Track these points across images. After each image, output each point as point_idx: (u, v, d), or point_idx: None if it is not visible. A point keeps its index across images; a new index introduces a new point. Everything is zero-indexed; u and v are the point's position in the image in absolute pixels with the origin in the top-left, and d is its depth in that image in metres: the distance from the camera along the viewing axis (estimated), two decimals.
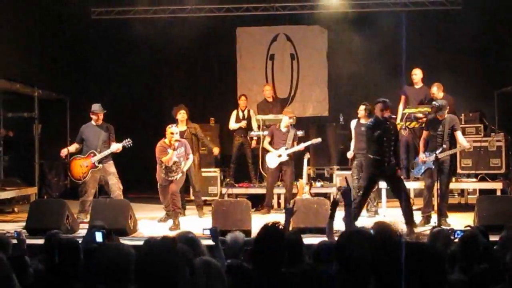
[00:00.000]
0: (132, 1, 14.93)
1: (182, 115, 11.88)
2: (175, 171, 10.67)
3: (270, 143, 12.18)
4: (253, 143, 13.45)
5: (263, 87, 14.36)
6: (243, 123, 13.64)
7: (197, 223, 10.69)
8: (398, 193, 9.67)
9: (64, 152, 11.27)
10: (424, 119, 11.39)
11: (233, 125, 13.73)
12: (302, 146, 12.04)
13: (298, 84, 16.06)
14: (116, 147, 11.10)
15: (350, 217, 5.78)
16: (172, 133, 10.59)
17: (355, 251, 3.70)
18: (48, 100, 15.30)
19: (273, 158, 12.03)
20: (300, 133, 12.68)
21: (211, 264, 3.75)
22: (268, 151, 12.19)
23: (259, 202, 12.28)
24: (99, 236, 6.06)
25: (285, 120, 12.16)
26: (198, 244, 4.86)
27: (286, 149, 11.95)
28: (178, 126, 11.56)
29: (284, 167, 12.09)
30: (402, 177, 10.91)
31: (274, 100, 14.05)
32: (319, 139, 12.38)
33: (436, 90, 11.87)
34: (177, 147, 10.62)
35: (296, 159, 12.26)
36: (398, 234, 4.42)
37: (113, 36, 15.48)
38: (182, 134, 11.61)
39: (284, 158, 11.95)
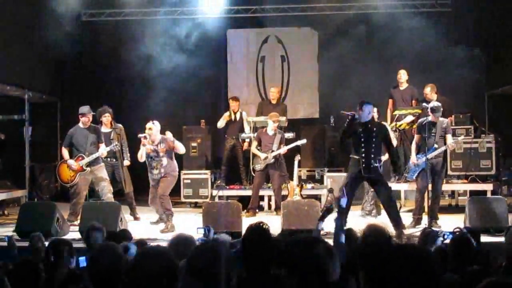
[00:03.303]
0: (122, 3, 14.89)
1: (107, 118, 12.08)
2: (155, 168, 10.59)
3: (258, 147, 12.19)
4: (245, 145, 13.46)
5: (271, 88, 14.37)
6: (226, 115, 13.77)
7: (188, 224, 10.65)
8: (381, 197, 9.74)
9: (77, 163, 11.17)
10: (415, 126, 11.41)
11: (219, 123, 13.79)
12: (285, 148, 12.05)
13: (288, 86, 16.05)
14: (102, 150, 11.12)
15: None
16: (145, 128, 10.57)
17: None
18: (38, 102, 15.27)
19: (260, 161, 12.05)
20: (290, 135, 12.69)
21: None
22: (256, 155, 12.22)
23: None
24: (82, 262, 5.96)
25: (270, 124, 12.16)
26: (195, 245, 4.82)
27: (272, 151, 11.96)
28: (103, 128, 11.82)
29: (271, 171, 12.09)
30: (391, 179, 10.99)
31: (278, 103, 14.01)
32: (304, 140, 12.41)
33: (430, 91, 11.95)
34: (157, 143, 10.55)
35: (286, 161, 12.27)
36: (389, 237, 4.44)
37: (104, 38, 15.45)
38: (108, 135, 11.77)
39: (270, 160, 11.95)
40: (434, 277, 2.74)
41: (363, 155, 9.45)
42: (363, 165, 9.43)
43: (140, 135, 10.55)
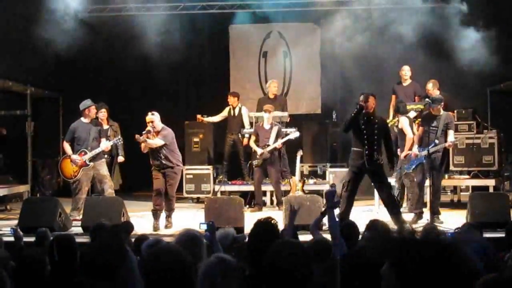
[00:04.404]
0: None
1: (103, 113, 12.17)
2: (156, 159, 10.37)
3: (256, 141, 12.19)
4: (245, 141, 13.42)
5: (270, 82, 14.19)
6: (210, 119, 13.96)
7: (190, 219, 10.65)
8: (381, 194, 9.71)
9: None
10: (417, 122, 11.38)
11: (210, 118, 13.95)
12: (279, 142, 12.01)
13: (291, 82, 16.03)
14: (105, 145, 11.10)
15: (335, 220, 5.39)
16: (147, 121, 10.31)
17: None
18: (40, 97, 15.29)
19: (257, 156, 12.05)
20: (292, 130, 12.68)
21: (226, 261, 3.66)
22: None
23: (252, 200, 12.28)
24: None
25: (265, 117, 12.15)
26: (202, 242, 4.75)
27: (268, 146, 11.95)
28: (103, 125, 11.80)
29: (268, 166, 12.07)
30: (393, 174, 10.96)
31: (276, 97, 13.88)
32: (297, 133, 12.39)
33: (432, 87, 11.93)
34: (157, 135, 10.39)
35: (289, 156, 12.28)
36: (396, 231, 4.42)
37: (106, 33, 15.43)
38: (105, 132, 11.70)
39: (266, 155, 11.94)
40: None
41: (366, 147, 9.41)
42: (367, 157, 9.39)
43: (144, 133, 10.20)
